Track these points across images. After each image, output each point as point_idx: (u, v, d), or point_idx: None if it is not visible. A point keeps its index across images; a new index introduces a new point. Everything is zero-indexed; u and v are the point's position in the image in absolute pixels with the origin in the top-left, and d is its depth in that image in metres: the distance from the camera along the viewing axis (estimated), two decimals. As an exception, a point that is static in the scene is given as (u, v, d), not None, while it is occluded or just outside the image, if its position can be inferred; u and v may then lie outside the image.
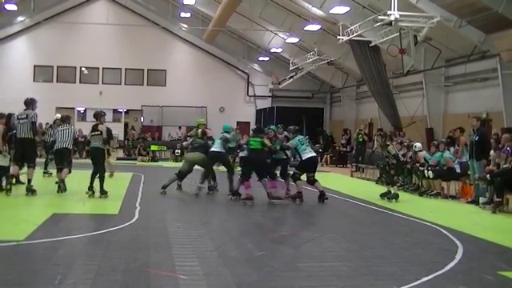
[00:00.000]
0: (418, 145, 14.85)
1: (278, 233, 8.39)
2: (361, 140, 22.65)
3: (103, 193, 11.41)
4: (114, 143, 29.81)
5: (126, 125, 33.88)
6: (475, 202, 11.82)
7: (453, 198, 13.08)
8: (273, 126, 13.50)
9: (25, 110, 11.79)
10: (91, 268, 5.72)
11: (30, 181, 11.57)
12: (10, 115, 12.77)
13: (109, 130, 12.49)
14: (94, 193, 11.49)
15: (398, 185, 14.80)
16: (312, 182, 12.00)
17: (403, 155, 15.62)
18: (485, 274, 5.93)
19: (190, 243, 7.24)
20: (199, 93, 33.35)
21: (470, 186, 12.74)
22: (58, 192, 11.68)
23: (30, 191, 11.45)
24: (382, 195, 12.59)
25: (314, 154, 12.24)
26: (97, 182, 11.50)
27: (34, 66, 32.95)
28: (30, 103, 11.80)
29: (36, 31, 32.54)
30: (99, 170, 11.50)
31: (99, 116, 12.04)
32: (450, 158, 13.36)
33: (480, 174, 11.69)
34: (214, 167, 13.21)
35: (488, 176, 11.20)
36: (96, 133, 11.62)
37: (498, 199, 10.78)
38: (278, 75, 31.73)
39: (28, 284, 5.17)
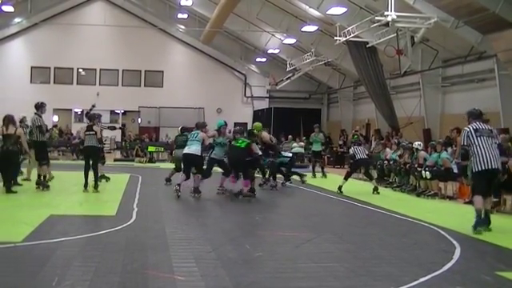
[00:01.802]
0: (419, 143, 15.00)
1: (276, 234, 8.39)
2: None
3: (96, 187, 12.46)
4: (112, 145, 29.84)
5: (123, 125, 33.80)
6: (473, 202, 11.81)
7: (450, 198, 13.09)
8: (221, 121, 13.67)
9: (35, 113, 12.68)
10: (89, 269, 5.71)
11: (45, 177, 12.72)
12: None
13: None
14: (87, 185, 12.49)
15: (395, 185, 14.92)
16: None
17: (400, 156, 15.68)
18: (483, 274, 5.93)
19: (188, 244, 7.23)
20: (196, 94, 33.35)
21: (467, 187, 12.74)
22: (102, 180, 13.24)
23: (43, 186, 12.51)
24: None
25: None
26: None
27: (31, 68, 32.93)
28: (39, 107, 12.74)
29: (33, 32, 32.52)
30: (94, 167, 12.51)
31: (93, 118, 13.11)
32: (448, 159, 13.37)
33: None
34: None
35: None
36: (91, 133, 12.59)
37: (495, 199, 10.79)
38: (276, 76, 31.74)
39: (25, 286, 5.15)
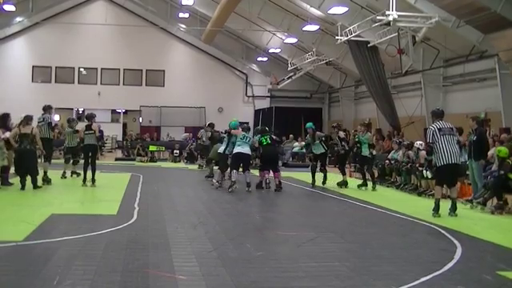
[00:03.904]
0: (420, 143, 14.99)
1: (277, 233, 8.39)
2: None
3: (94, 181, 13.31)
4: (113, 144, 29.89)
5: (124, 125, 33.93)
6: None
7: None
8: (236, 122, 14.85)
9: (42, 114, 13.72)
10: (90, 269, 5.72)
11: (45, 172, 13.35)
12: (6, 115, 12.99)
13: (101, 131, 14.52)
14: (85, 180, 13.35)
15: (401, 185, 14.93)
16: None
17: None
18: (483, 274, 5.93)
19: (189, 244, 7.24)
20: (198, 93, 33.36)
21: (468, 186, 12.75)
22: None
23: (46, 181, 13.21)
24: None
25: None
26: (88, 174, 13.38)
27: (33, 67, 32.91)
28: (46, 109, 13.95)
29: (34, 32, 32.53)
30: (93, 164, 13.40)
31: (91, 117, 13.85)
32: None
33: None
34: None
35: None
36: (90, 132, 13.43)
37: (499, 202, 10.76)
38: (277, 75, 31.74)
39: (27, 285, 5.16)
